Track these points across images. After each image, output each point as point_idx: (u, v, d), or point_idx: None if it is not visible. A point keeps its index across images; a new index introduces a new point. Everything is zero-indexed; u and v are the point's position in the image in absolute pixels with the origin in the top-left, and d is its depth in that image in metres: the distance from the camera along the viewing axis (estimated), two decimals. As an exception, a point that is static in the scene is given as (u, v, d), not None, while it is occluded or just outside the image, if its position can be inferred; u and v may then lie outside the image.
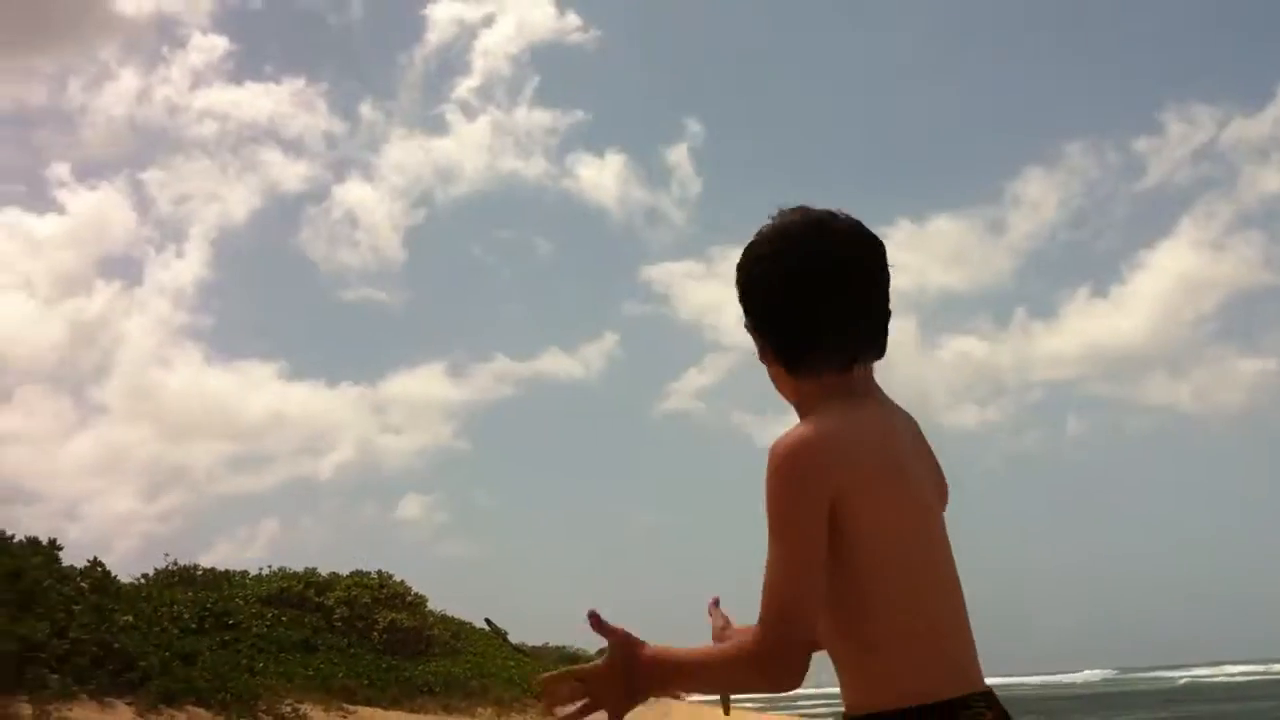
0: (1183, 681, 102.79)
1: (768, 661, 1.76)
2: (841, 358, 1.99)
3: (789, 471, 1.84)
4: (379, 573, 24.27)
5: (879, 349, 2.05)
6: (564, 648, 37.39)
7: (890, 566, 1.84)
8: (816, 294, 1.97)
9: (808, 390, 2.05)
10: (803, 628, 1.76)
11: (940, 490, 2.06)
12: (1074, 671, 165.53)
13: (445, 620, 26.52)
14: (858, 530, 1.82)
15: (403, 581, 24.55)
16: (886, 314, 2.09)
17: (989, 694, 1.90)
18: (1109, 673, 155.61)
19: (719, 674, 1.92)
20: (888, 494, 1.86)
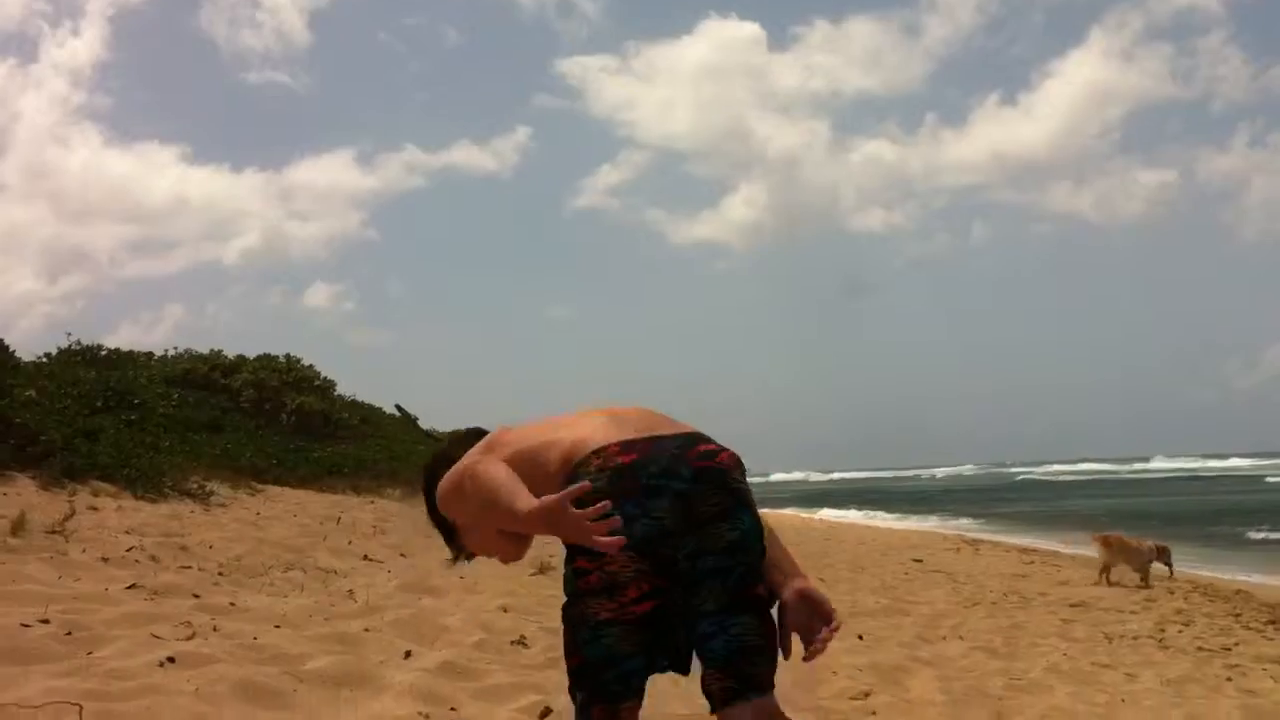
0: (1020, 479, 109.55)
1: None
2: None
3: None
4: (287, 356, 24.17)
5: None
6: (474, 435, 37.66)
7: None
8: None
9: None
10: None
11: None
12: (957, 465, 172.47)
13: (355, 405, 26.60)
14: None
15: (311, 366, 24.53)
16: None
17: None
18: (981, 468, 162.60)
19: None
20: None
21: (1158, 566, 17.44)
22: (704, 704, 2.85)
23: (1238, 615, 14.93)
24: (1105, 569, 16.98)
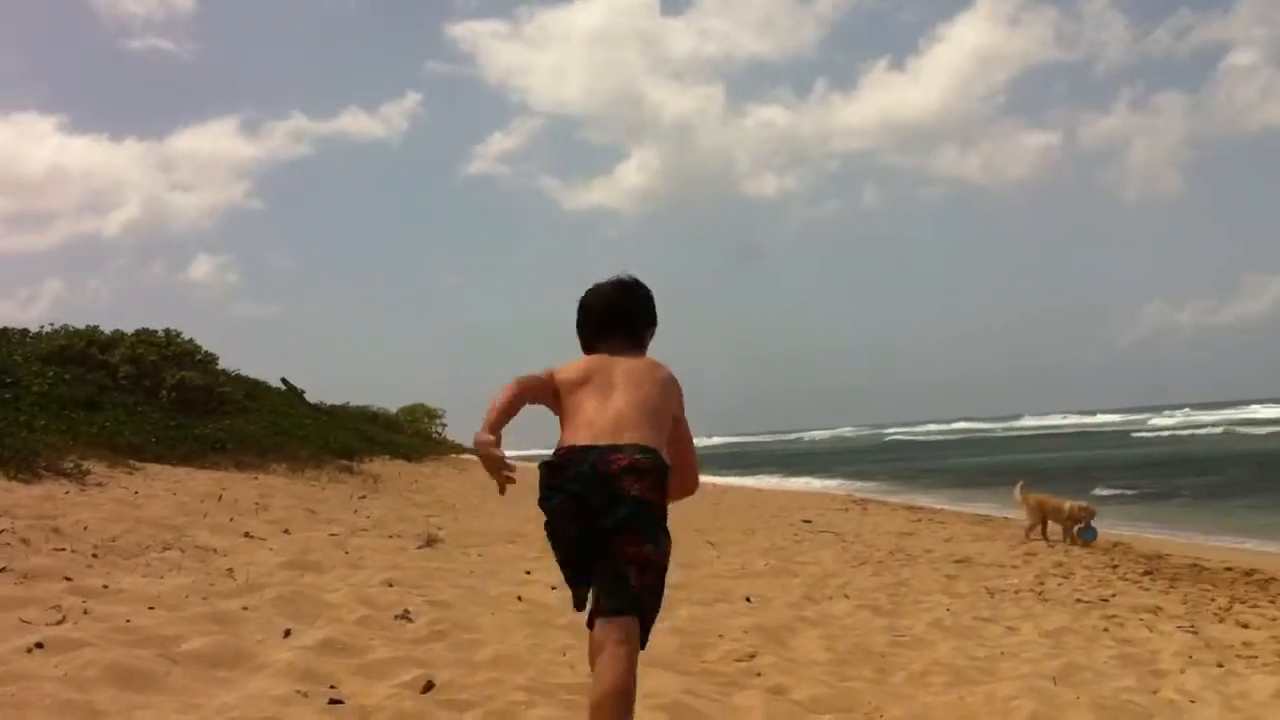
0: (896, 439, 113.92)
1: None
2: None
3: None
4: (166, 331, 23.58)
5: None
6: (365, 407, 37.25)
7: None
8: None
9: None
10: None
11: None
12: (836, 428, 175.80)
13: (238, 379, 26.07)
14: None
15: (192, 340, 23.95)
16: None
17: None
18: (858, 430, 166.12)
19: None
20: None
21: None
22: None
23: (1115, 567, 15.35)
24: (1033, 527, 17.61)
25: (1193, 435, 76.78)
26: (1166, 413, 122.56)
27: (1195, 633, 9.98)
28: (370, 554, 9.62)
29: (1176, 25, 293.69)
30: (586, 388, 4.12)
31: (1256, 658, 9.00)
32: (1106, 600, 11.76)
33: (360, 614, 6.82)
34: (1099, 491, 33.11)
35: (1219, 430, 79.70)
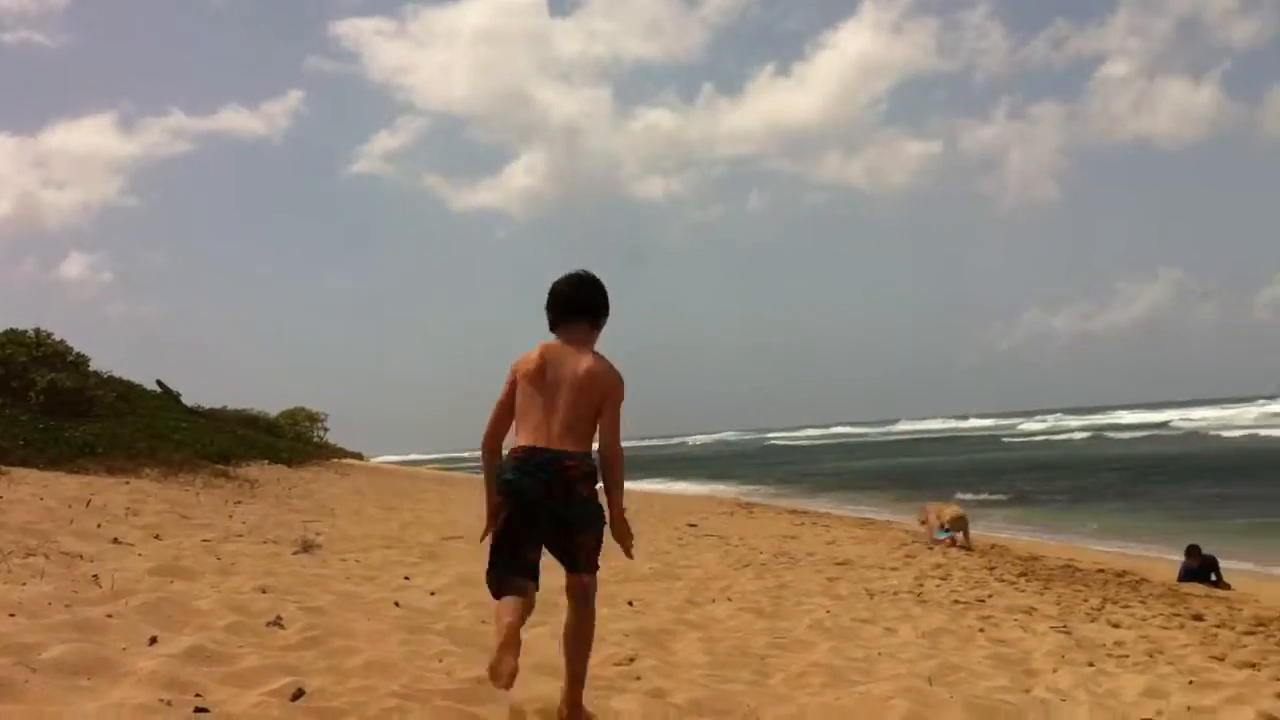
0: (776, 443, 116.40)
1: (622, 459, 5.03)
2: None
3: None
4: (36, 331, 22.85)
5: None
6: (244, 410, 36.53)
7: None
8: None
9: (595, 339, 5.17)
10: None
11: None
12: (718, 432, 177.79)
13: (111, 381, 25.37)
14: None
15: (63, 340, 23.25)
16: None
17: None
18: (740, 434, 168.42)
19: (622, 480, 5.08)
20: None
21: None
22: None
23: (992, 569, 15.63)
24: (929, 534, 18.43)
25: (1066, 440, 79.10)
26: (1038, 418, 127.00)
27: (1068, 633, 10.18)
28: (244, 560, 9.39)
29: (1053, 36, 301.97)
30: (539, 381, 5.05)
31: (1127, 657, 9.21)
32: (983, 601, 11.95)
33: (230, 620, 6.63)
34: (976, 496, 33.84)
35: (1087, 435, 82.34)
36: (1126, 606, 12.72)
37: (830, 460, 71.10)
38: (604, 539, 5.12)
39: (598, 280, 5.26)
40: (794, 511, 27.11)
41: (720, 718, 5.46)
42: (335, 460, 32.08)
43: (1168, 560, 18.27)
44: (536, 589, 4.93)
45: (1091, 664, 8.64)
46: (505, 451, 5.09)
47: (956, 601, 11.77)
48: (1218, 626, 11.63)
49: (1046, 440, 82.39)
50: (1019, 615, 11.10)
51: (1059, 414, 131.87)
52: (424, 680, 5.52)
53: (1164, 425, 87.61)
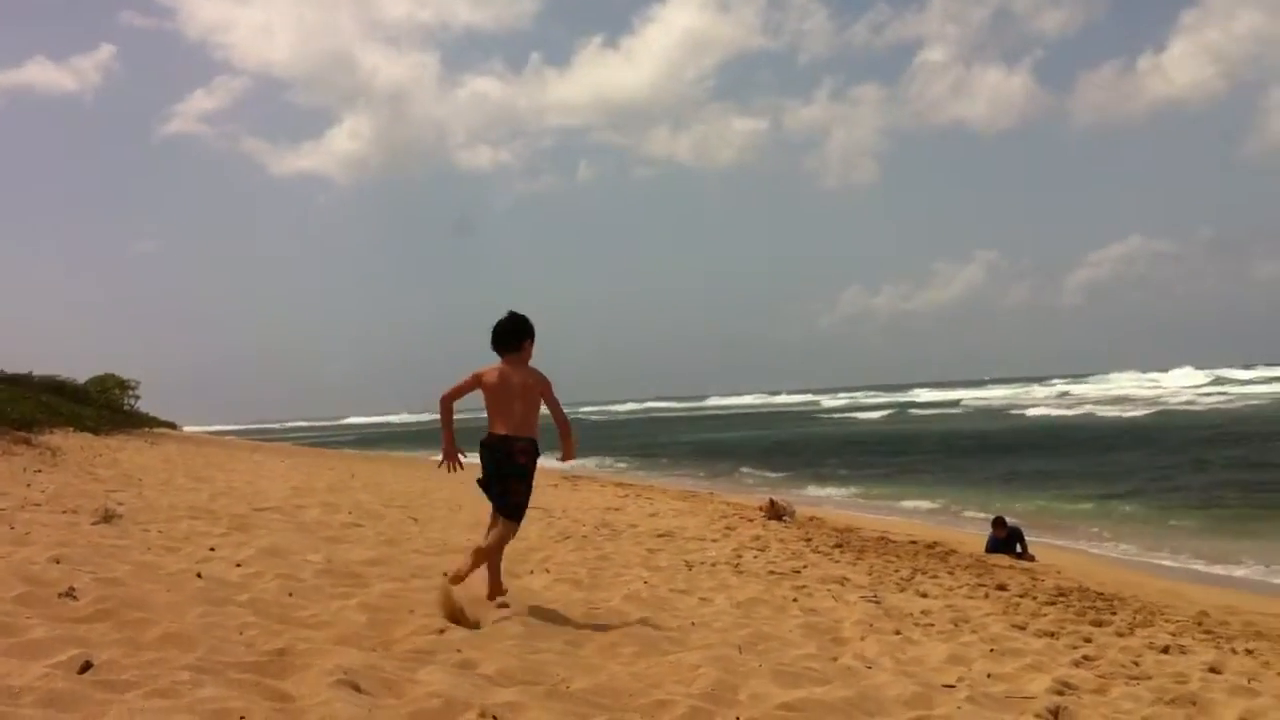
0: (594, 417, 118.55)
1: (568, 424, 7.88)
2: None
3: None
4: None
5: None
6: (52, 377, 34.99)
7: None
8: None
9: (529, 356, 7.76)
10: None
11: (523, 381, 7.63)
12: (618, 402, 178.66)
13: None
14: None
15: None
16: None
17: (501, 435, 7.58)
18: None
19: (570, 433, 7.83)
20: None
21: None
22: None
23: (809, 540, 15.94)
24: (773, 514, 18.83)
25: (868, 417, 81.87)
26: (843, 395, 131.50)
27: (878, 602, 10.43)
28: (39, 529, 8.95)
29: (875, 20, 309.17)
30: (500, 393, 7.58)
31: (932, 625, 9.48)
32: (798, 572, 12.17)
33: (19, 591, 6.29)
34: (801, 470, 34.54)
35: (890, 412, 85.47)
36: (935, 577, 13.10)
37: (648, 435, 72.02)
38: (527, 501, 7.78)
39: (522, 317, 7.77)
40: (619, 484, 27.25)
41: (528, 687, 5.39)
42: (146, 429, 31.01)
43: (976, 533, 18.93)
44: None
45: (898, 632, 8.86)
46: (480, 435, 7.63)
47: (772, 572, 11.95)
48: (1020, 596, 12.07)
49: (847, 417, 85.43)
50: (832, 585, 11.32)
51: (867, 391, 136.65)
52: (221, 652, 5.32)
53: (956, 404, 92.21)
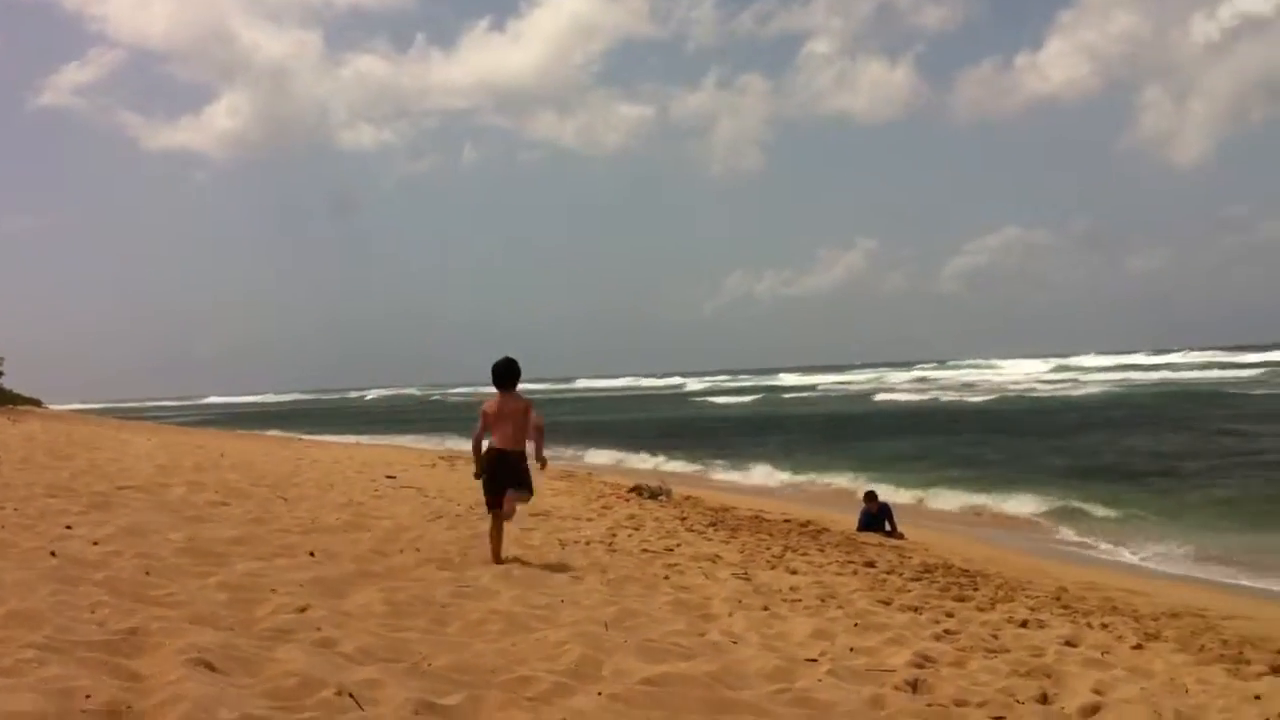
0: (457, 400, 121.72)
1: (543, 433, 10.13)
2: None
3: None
4: None
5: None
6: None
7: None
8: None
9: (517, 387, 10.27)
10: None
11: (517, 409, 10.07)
12: (403, 386, 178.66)
13: None
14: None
15: None
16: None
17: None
18: (423, 389, 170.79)
19: (542, 441, 10.14)
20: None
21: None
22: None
23: (684, 519, 16.05)
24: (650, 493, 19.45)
25: (738, 401, 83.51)
26: (706, 378, 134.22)
27: (748, 579, 10.54)
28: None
29: (761, 10, 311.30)
30: (497, 419, 9.98)
31: (800, 601, 9.60)
32: (671, 550, 12.24)
33: None
34: (667, 455, 34.86)
35: (757, 397, 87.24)
36: (805, 554, 13.29)
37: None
38: (530, 479, 10.22)
39: (514, 362, 10.20)
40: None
41: (388, 665, 5.33)
42: (10, 406, 30.04)
43: (842, 515, 19.23)
44: (502, 508, 10.01)
45: (766, 608, 8.96)
46: (485, 444, 10.08)
47: (646, 550, 12.00)
48: (887, 573, 12.31)
49: (709, 401, 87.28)
50: (704, 563, 11.41)
51: (742, 375, 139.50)
52: (70, 631, 5.17)
53: (814, 388, 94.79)
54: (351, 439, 44.97)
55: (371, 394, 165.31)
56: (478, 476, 10.21)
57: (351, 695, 4.72)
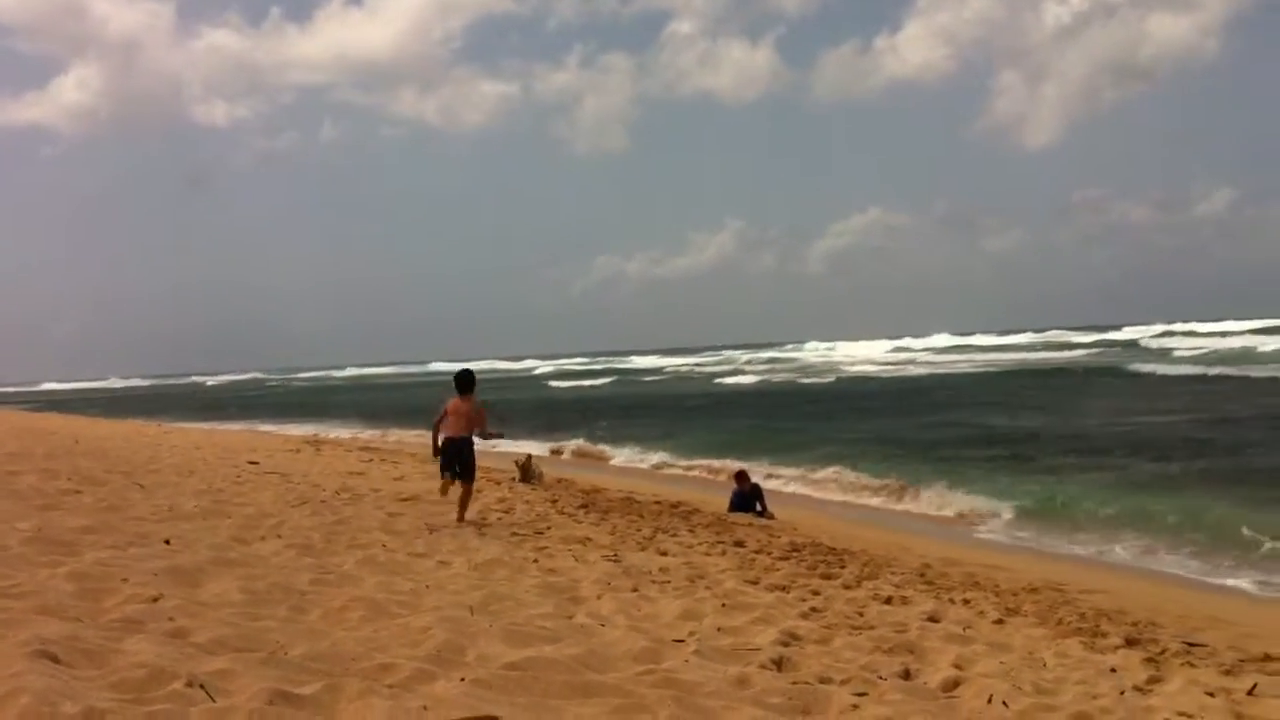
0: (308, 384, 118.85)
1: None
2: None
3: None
4: None
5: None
6: None
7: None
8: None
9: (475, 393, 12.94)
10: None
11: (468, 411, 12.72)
12: (246, 372, 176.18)
13: None
14: None
15: None
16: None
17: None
18: (267, 374, 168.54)
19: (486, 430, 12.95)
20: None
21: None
22: None
23: (555, 502, 15.97)
24: (522, 477, 19.18)
25: (593, 384, 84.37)
26: (561, 361, 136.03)
27: (617, 561, 10.52)
28: None
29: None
30: (454, 414, 12.53)
31: (669, 582, 9.60)
32: (541, 533, 12.16)
33: None
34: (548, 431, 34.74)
35: (611, 379, 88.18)
36: (675, 535, 13.32)
37: (369, 399, 72.27)
38: (474, 468, 12.65)
39: (471, 373, 12.79)
40: (364, 449, 26.71)
41: (242, 655, 5.17)
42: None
43: (715, 495, 19.36)
44: (454, 481, 12.63)
45: (635, 590, 8.94)
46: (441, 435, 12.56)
47: (515, 534, 11.91)
48: (756, 553, 12.39)
49: (575, 386, 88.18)
50: (574, 546, 11.36)
51: (592, 358, 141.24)
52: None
53: (661, 370, 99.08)
54: (207, 425, 43.98)
55: (215, 379, 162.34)
56: (435, 455, 12.83)
57: (203, 686, 4.57)
